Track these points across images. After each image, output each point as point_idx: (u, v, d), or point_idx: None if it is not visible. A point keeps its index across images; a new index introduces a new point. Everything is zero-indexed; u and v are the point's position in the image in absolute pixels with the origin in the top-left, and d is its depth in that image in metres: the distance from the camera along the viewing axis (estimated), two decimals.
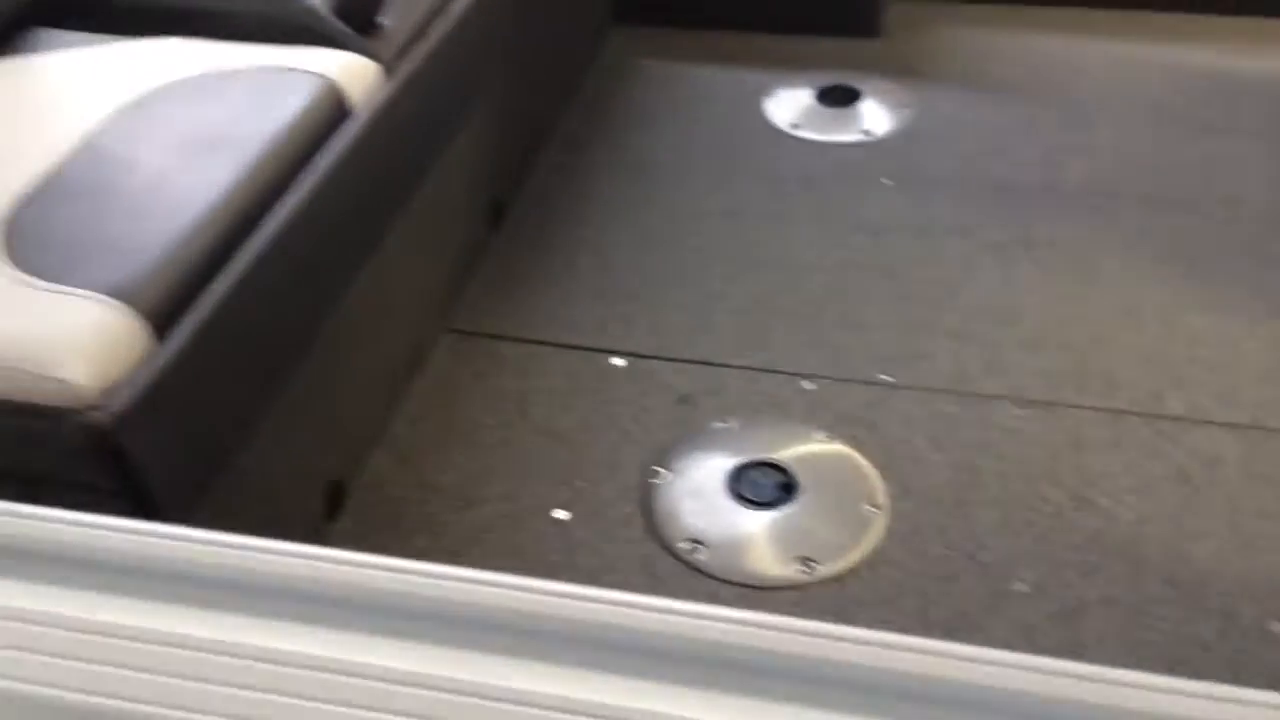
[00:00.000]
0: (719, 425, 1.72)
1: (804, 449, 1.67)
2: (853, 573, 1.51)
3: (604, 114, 2.44)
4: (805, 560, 1.51)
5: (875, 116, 2.39)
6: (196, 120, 1.31)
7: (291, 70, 1.40)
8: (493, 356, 1.87)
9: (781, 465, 1.63)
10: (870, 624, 1.44)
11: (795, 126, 2.37)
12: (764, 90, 2.48)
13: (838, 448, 1.67)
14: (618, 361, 1.85)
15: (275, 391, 1.27)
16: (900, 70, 2.53)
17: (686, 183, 2.23)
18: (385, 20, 1.54)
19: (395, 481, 1.64)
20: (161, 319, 1.08)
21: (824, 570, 1.51)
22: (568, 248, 2.08)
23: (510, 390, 1.80)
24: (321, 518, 1.53)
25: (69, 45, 1.48)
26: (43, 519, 0.57)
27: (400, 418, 1.73)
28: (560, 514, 1.60)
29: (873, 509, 1.58)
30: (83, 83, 1.39)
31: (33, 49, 1.47)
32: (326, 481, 1.54)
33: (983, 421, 1.71)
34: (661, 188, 2.22)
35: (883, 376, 1.78)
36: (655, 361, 1.84)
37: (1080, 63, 2.52)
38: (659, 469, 1.65)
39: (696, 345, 1.86)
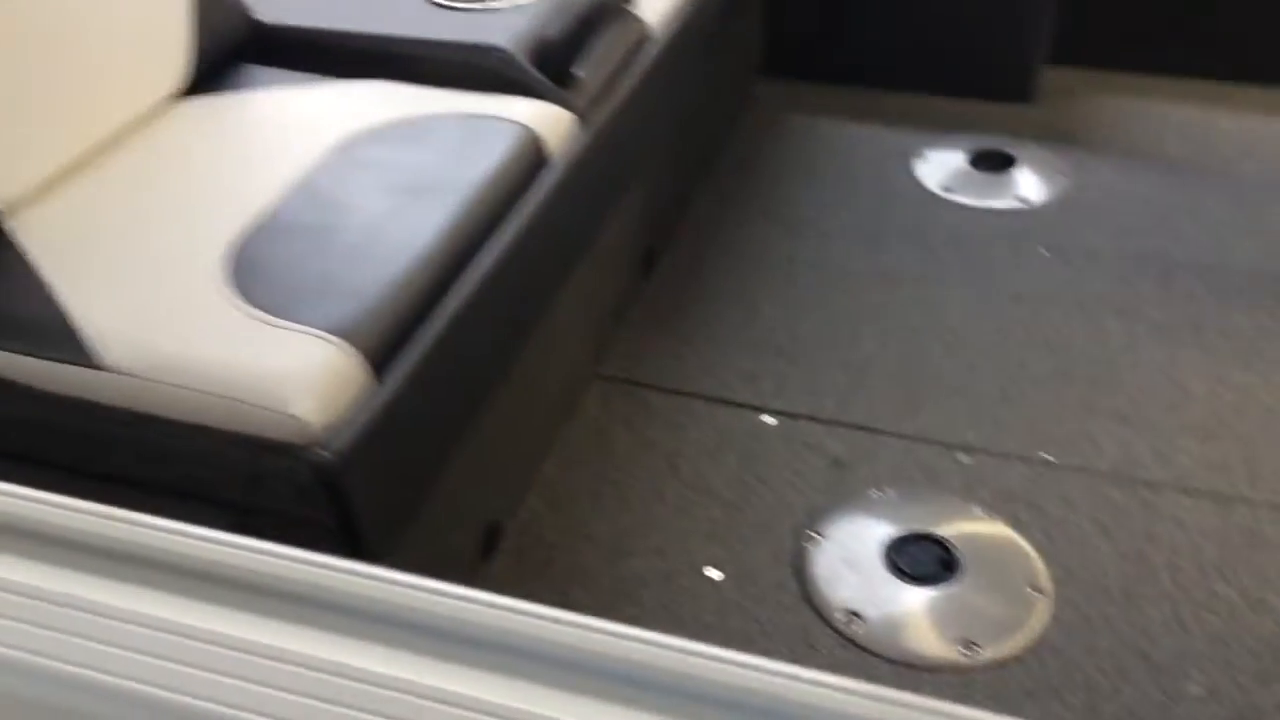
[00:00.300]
0: (874, 493, 1.69)
1: (963, 525, 1.63)
2: (1017, 659, 1.46)
3: (753, 166, 2.44)
4: (967, 642, 1.48)
5: (1030, 184, 2.35)
6: (406, 164, 1.33)
7: (493, 118, 1.42)
8: (642, 406, 1.87)
9: (941, 540, 1.59)
10: (1038, 716, 1.40)
11: (947, 190, 2.34)
12: (914, 151, 2.46)
13: (998, 526, 1.63)
14: (769, 420, 1.83)
15: (464, 432, 1.28)
16: (1055, 137, 2.49)
17: (836, 240, 2.22)
18: (578, 71, 1.55)
19: (548, 527, 1.65)
20: (379, 358, 1.09)
21: (987, 654, 1.46)
22: (717, 299, 2.08)
23: (660, 441, 1.80)
24: (477, 558, 1.54)
25: (279, 83, 1.52)
26: (262, 552, 0.58)
27: (553, 463, 1.73)
28: (713, 573, 1.58)
29: (1036, 593, 1.53)
30: (295, 122, 1.43)
31: (245, 85, 1.52)
32: (485, 523, 1.55)
33: (1150, 510, 1.65)
34: (810, 244, 2.21)
35: (1044, 455, 1.74)
36: (808, 422, 1.82)
37: (1247, 141, 2.46)
38: (813, 533, 1.63)
39: (849, 408, 1.83)
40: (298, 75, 1.54)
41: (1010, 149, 2.43)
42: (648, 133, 1.76)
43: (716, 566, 1.59)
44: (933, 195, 2.33)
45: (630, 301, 2.03)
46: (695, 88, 2.12)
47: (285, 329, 1.08)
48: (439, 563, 1.40)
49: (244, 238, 1.20)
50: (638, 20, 1.70)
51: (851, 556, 1.59)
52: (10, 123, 1.23)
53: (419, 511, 1.20)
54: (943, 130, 2.52)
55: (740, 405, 1.86)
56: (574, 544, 1.63)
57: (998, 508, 1.65)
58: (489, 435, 1.43)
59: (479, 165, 1.34)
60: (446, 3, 1.63)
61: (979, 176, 2.38)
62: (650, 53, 1.70)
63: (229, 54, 1.56)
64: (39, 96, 1.27)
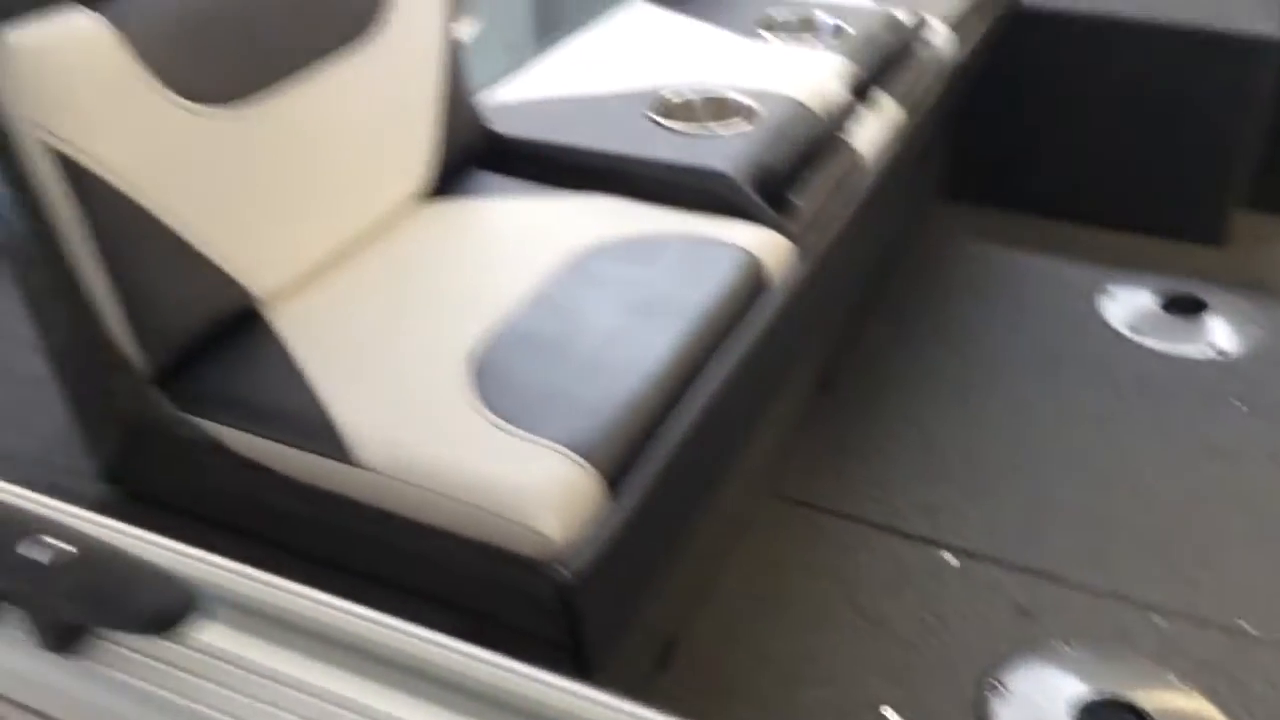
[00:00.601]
0: (1062, 647, 1.63)
1: (1159, 694, 1.56)
2: None
3: (930, 291, 2.43)
4: None
5: (1223, 332, 2.28)
6: (636, 282, 1.37)
7: (718, 242, 1.46)
8: (817, 529, 1.85)
9: (1137, 708, 1.52)
10: None
11: (1134, 330, 2.29)
12: (1099, 286, 2.42)
13: (1197, 699, 1.55)
14: (949, 558, 1.79)
15: (673, 548, 1.29)
16: (1249, 284, 2.42)
17: (1016, 371, 2.18)
18: (797, 199, 1.58)
19: (722, 645, 1.63)
20: (613, 476, 1.11)
21: None
22: (893, 424, 2.06)
23: (835, 568, 1.77)
24: (651, 672, 1.53)
25: (511, 191, 1.59)
26: (494, 665, 0.60)
27: (728, 580, 1.72)
28: (890, 714, 1.54)
29: None
30: (529, 231, 1.49)
31: (479, 191, 1.59)
32: (662, 636, 1.54)
33: None
34: (989, 374, 2.18)
35: (1244, 624, 1.66)
36: (989, 564, 1.78)
37: None
38: (996, 682, 1.58)
39: (1033, 551, 1.78)
40: (528, 185, 1.60)
41: (1201, 293, 2.37)
42: (854, 259, 1.77)
43: (895, 708, 1.55)
44: (1119, 334, 2.28)
45: (806, 420, 2.03)
46: (895, 214, 2.14)
47: (529, 441, 1.11)
48: (618, 676, 1.40)
49: (486, 343, 1.25)
50: (852, 151, 1.73)
51: (1040, 714, 1.53)
52: (274, 219, 1.31)
53: (629, 627, 1.21)
54: (1130, 268, 2.47)
55: (919, 539, 1.83)
56: (747, 664, 1.61)
57: (1195, 678, 1.58)
58: (679, 550, 1.44)
59: (706, 288, 1.36)
60: (670, 124, 1.68)
61: (1168, 320, 2.32)
62: (862, 182, 1.73)
63: (465, 161, 1.63)
64: (302, 195, 1.35)
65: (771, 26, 2.05)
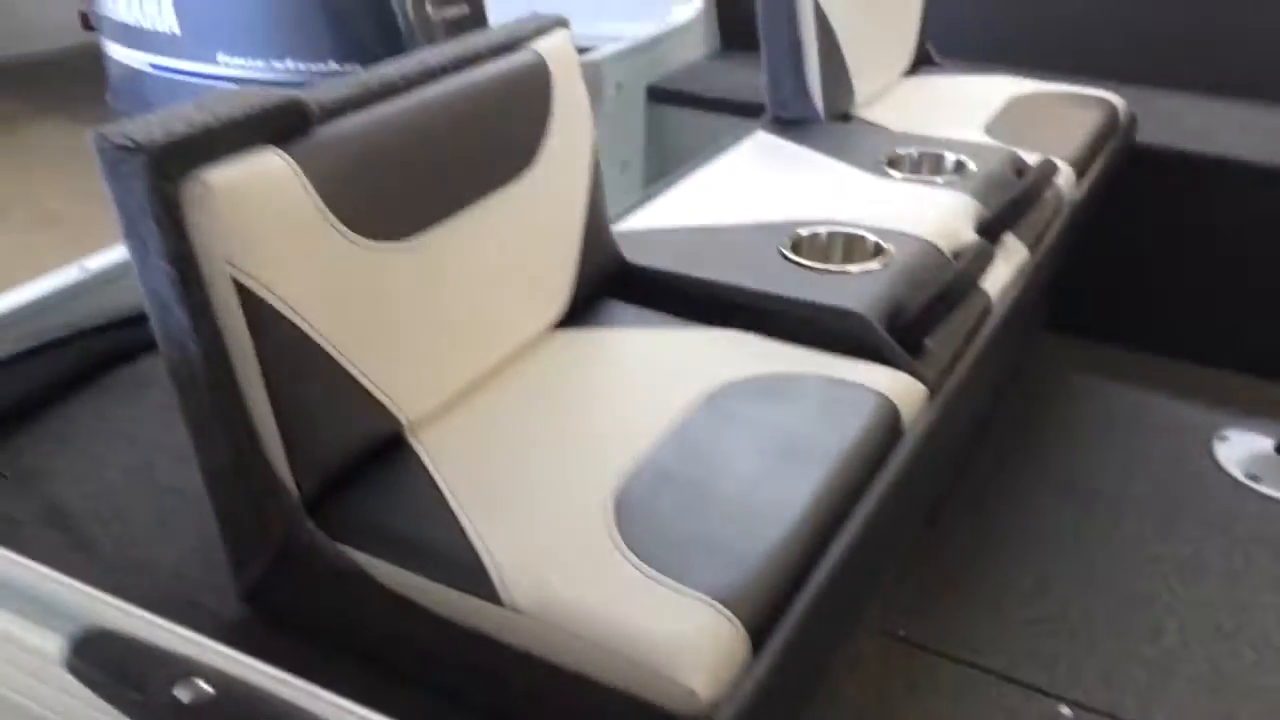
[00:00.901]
0: None
1: None
2: None
3: (1036, 425, 2.40)
4: None
5: None
6: (773, 424, 1.37)
7: (854, 385, 1.46)
8: (927, 671, 1.81)
9: None
10: None
11: (1253, 478, 2.23)
12: (1213, 429, 2.37)
13: None
14: (1066, 712, 1.73)
15: (806, 697, 1.27)
16: None
17: (1128, 517, 2.13)
18: (929, 342, 1.58)
19: None
20: (757, 628, 1.10)
21: None
22: (1002, 564, 2.01)
23: (946, 714, 1.72)
24: None
25: (644, 323, 1.61)
26: None
27: (835, 718, 1.68)
28: None
29: None
30: (664, 364, 1.50)
31: (614, 322, 1.61)
32: None
33: None
34: (1100, 517, 2.13)
35: None
36: None
37: None
38: None
39: (1155, 711, 1.72)
40: (659, 316, 1.62)
41: None
42: (977, 398, 1.76)
43: None
44: (1236, 482, 2.22)
45: (914, 557, 2.00)
46: (1013, 351, 2.13)
47: (676, 590, 1.10)
48: None
49: (627, 482, 1.25)
50: (980, 292, 1.73)
51: None
52: (427, 347, 1.34)
53: None
54: (1246, 413, 2.41)
55: (1034, 689, 1.77)
56: None
57: None
58: (810, 696, 1.41)
59: (844, 433, 1.36)
60: (802, 261, 1.70)
61: None
62: (989, 324, 1.72)
63: (598, 289, 1.66)
64: (455, 324, 1.38)
65: (896, 163, 2.08)
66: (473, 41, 1.48)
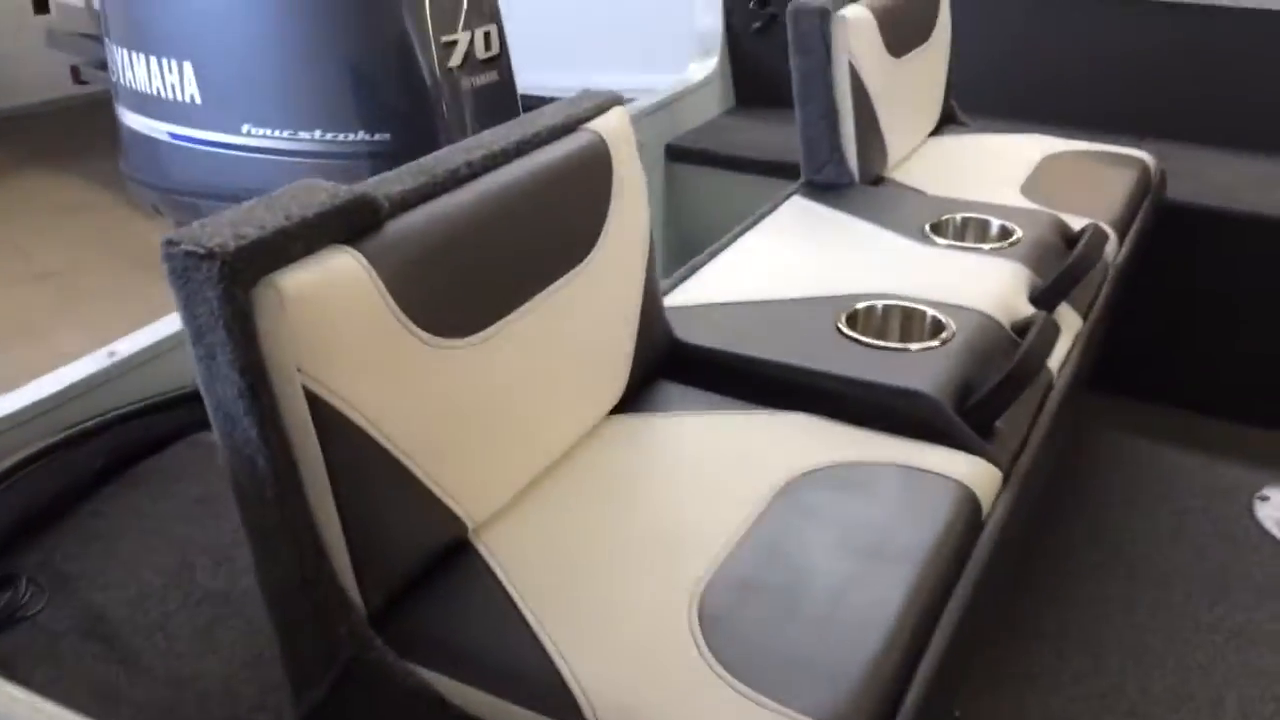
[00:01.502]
0: None
1: None
2: None
3: (1081, 489, 2.35)
4: None
5: None
6: (853, 519, 1.31)
7: (931, 473, 1.40)
8: None
9: None
10: None
11: None
12: (1253, 489, 2.32)
13: None
14: None
15: None
16: None
17: (1175, 584, 2.08)
18: (999, 424, 1.53)
19: None
20: None
21: None
22: (1054, 636, 1.95)
23: None
24: None
25: (702, 406, 1.55)
26: None
27: None
28: None
29: None
30: (731, 453, 1.44)
31: (670, 405, 1.55)
32: None
33: None
34: (1146, 584, 2.07)
35: None
36: None
37: None
38: None
39: None
40: (715, 398, 1.57)
41: None
42: (1044, 475, 1.71)
43: None
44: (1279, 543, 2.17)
45: None
46: (1072, 424, 2.08)
47: (776, 712, 1.04)
48: None
49: (709, 588, 1.19)
50: (1047, 370, 1.68)
51: None
52: (491, 446, 1.28)
53: None
54: None
55: None
56: None
57: None
58: None
59: (927, 528, 1.31)
60: (860, 337, 1.65)
61: None
62: (1054, 400, 1.68)
63: (653, 370, 1.61)
64: (518, 420, 1.32)
65: (940, 229, 2.04)
66: (532, 122, 1.43)
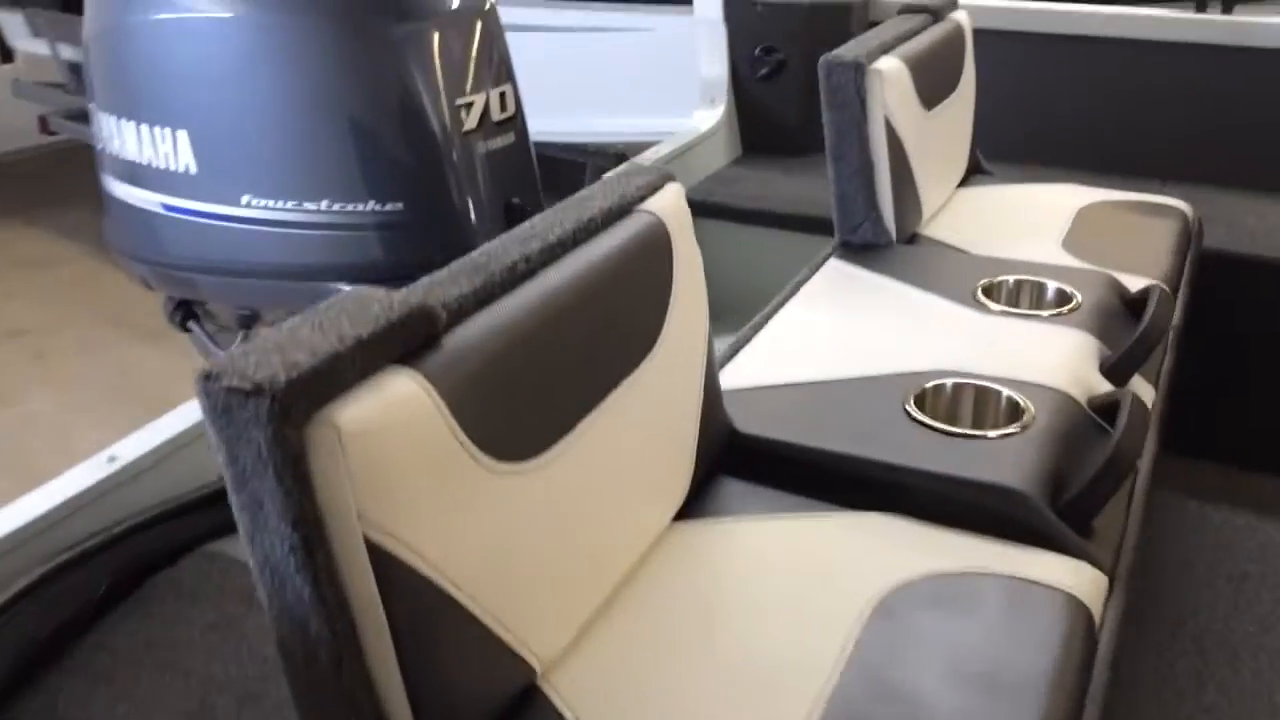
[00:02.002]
0: None
1: None
2: None
3: (1146, 554, 2.23)
4: None
5: None
6: (960, 643, 1.18)
7: (1032, 583, 1.28)
8: None
9: None
10: None
11: None
12: None
13: None
14: None
15: None
16: None
17: (1242, 660, 1.96)
18: (1092, 516, 1.41)
19: None
20: None
21: None
22: (1127, 713, 1.83)
23: None
24: None
25: (768, 508, 1.42)
26: None
27: None
28: None
29: None
30: (807, 563, 1.31)
31: (735, 508, 1.42)
32: None
33: None
34: (1214, 662, 1.95)
35: None
36: None
37: None
38: None
39: None
40: (783, 498, 1.44)
41: None
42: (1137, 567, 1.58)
43: None
44: None
45: None
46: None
47: None
48: None
49: None
50: (1125, 446, 1.56)
51: None
52: (556, 578, 1.14)
53: None
54: None
55: None
56: None
57: None
58: None
59: (1043, 651, 1.18)
60: (930, 422, 1.52)
61: None
62: (1140, 485, 1.56)
63: (713, 467, 1.47)
64: (582, 545, 1.18)
65: (991, 293, 1.93)
66: (584, 205, 1.30)
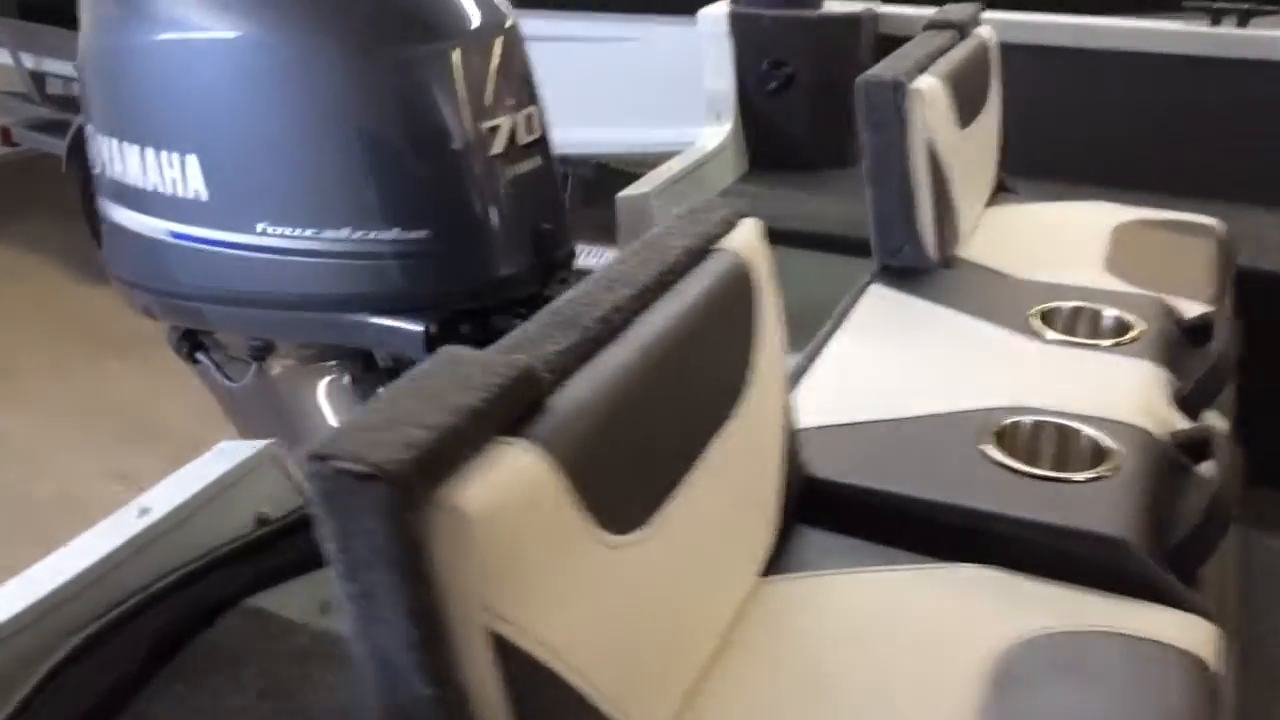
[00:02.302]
0: None
1: None
2: None
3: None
4: None
5: None
6: (1084, 712, 1.11)
7: (1150, 643, 1.21)
8: None
9: None
10: None
11: None
12: None
13: None
14: None
15: None
16: None
17: None
18: (1195, 565, 1.35)
19: None
20: None
21: None
22: None
23: None
24: None
25: (854, 560, 1.34)
26: None
27: None
28: None
29: None
30: (908, 624, 1.24)
31: (814, 561, 1.34)
32: None
33: None
34: None
35: None
36: None
37: None
38: None
39: None
40: (870, 548, 1.36)
41: None
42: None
43: None
44: None
45: None
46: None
47: None
48: None
49: None
50: (1212, 487, 1.50)
51: None
52: (660, 653, 1.06)
53: None
54: None
55: None
56: None
57: None
58: None
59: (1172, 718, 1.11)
60: (1013, 464, 1.46)
61: None
62: (1231, 528, 1.50)
63: (789, 516, 1.40)
64: (683, 614, 1.10)
65: (1048, 319, 1.86)
66: (664, 246, 1.22)
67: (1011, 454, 1.48)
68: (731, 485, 1.21)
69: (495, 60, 1.97)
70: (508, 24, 2.03)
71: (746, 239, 1.31)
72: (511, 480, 0.85)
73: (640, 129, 3.55)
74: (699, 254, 1.24)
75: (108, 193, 2.15)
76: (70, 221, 5.97)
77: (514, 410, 0.90)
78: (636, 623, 1.00)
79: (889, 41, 3.17)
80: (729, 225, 1.31)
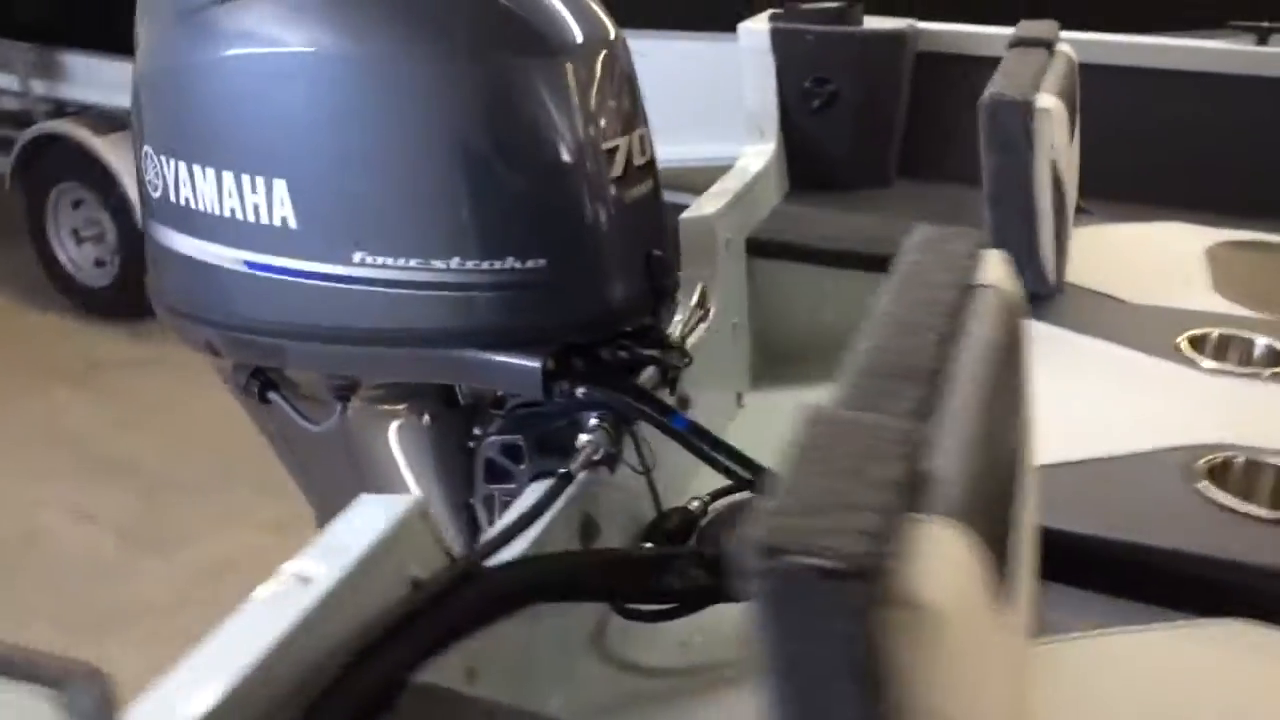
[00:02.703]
0: None
1: None
2: None
3: None
4: None
5: None
6: None
7: None
8: None
9: None
10: None
11: None
12: None
13: None
14: None
15: None
16: None
17: None
18: None
19: None
20: None
21: None
22: None
23: None
24: None
25: (1105, 617, 1.26)
26: None
27: None
28: None
29: None
30: (1187, 695, 1.15)
31: (1064, 621, 1.25)
32: None
33: None
34: None
35: None
36: None
37: None
38: None
39: None
40: (1105, 600, 1.28)
41: None
42: None
43: None
44: None
45: None
46: None
47: None
48: None
49: None
50: None
51: None
52: None
53: None
54: None
55: None
56: None
57: None
58: None
59: None
60: (1237, 506, 1.38)
61: None
62: None
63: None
64: (1016, 698, 0.99)
65: (1197, 347, 1.81)
66: (929, 281, 1.12)
67: (1230, 491, 1.42)
68: (1027, 537, 1.11)
69: (608, 76, 1.85)
70: (613, 35, 1.91)
71: (1002, 273, 1.22)
72: (946, 564, 0.74)
73: (672, 145, 3.44)
74: (968, 291, 1.14)
75: (164, 219, 1.96)
76: (13, 243, 5.64)
77: (917, 482, 0.79)
78: (1007, 707, 0.90)
79: (927, 59, 3.12)
80: (975, 258, 1.21)
